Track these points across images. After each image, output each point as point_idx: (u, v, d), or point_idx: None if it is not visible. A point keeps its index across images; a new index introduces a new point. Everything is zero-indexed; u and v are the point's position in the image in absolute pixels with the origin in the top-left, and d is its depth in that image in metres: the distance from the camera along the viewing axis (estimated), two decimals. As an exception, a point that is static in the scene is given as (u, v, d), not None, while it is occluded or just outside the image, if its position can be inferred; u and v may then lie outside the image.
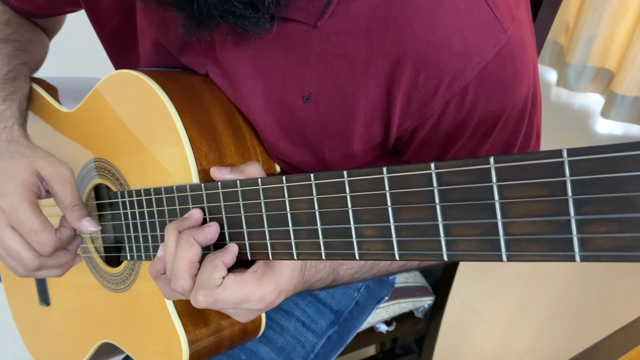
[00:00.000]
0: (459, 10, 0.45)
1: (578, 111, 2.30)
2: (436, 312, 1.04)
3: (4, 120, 0.61)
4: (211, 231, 0.47)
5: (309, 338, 0.72)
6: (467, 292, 1.52)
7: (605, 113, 2.20)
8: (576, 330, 1.43)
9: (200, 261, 0.47)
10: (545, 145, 0.56)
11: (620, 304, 1.50)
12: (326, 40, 0.48)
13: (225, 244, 0.48)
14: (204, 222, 0.50)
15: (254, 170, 0.50)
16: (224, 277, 0.45)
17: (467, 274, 1.52)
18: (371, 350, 1.18)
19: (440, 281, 1.02)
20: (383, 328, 1.00)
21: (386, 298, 0.88)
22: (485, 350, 1.41)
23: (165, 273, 0.50)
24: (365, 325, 0.96)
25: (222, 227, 0.48)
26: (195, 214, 0.49)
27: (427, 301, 1.01)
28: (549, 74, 2.44)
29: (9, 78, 0.65)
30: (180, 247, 0.46)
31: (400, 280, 1.02)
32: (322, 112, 0.51)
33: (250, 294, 0.46)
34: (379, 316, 0.98)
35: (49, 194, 0.59)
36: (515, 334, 1.45)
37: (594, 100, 2.30)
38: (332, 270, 0.56)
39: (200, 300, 0.45)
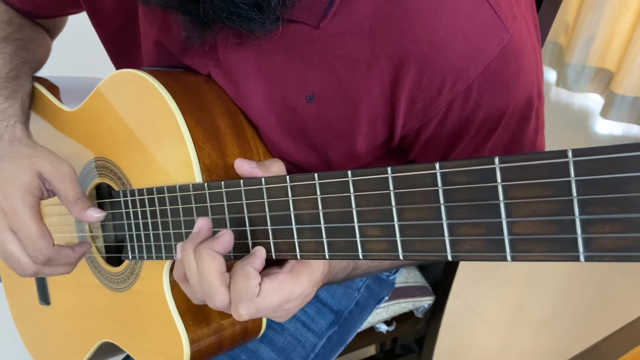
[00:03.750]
0: (461, 10, 0.45)
1: (577, 111, 2.30)
2: (436, 312, 1.04)
3: (6, 119, 0.61)
4: (227, 239, 0.45)
5: (309, 338, 0.73)
6: (467, 292, 1.52)
7: (605, 113, 2.20)
8: (576, 330, 1.43)
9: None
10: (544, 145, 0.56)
11: (620, 304, 1.50)
12: (328, 41, 0.48)
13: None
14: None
15: (279, 168, 0.48)
16: (259, 284, 0.43)
17: (467, 274, 1.52)
18: (371, 350, 1.18)
19: (440, 281, 1.02)
20: (383, 328, 1.01)
21: (386, 298, 0.88)
22: (485, 350, 1.41)
23: None
24: (365, 325, 0.96)
25: (223, 227, 0.48)
26: (204, 225, 0.46)
27: (427, 301, 1.02)
28: (548, 74, 2.44)
29: (11, 76, 0.65)
30: (202, 262, 0.43)
31: (400, 280, 1.02)
32: (325, 111, 0.52)
33: (290, 294, 0.45)
34: (379, 316, 0.98)
35: (51, 193, 0.59)
36: (515, 334, 1.45)
37: (594, 101, 2.30)
38: None
39: (242, 314, 0.43)
